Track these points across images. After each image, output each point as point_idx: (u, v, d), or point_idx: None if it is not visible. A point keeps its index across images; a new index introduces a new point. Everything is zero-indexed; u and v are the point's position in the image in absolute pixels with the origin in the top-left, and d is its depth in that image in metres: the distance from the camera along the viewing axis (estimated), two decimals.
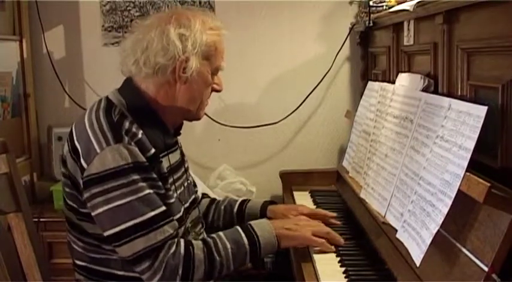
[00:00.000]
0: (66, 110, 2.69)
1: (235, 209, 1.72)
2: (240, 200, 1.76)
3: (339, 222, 1.69)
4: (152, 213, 1.29)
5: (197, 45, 1.38)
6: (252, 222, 1.46)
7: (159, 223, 1.30)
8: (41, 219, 2.35)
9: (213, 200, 1.78)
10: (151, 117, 1.42)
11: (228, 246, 1.37)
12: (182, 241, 1.34)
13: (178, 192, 1.46)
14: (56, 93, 2.66)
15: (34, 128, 2.60)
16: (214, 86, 1.49)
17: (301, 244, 1.50)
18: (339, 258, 1.44)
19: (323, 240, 1.47)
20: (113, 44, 2.63)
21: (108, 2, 2.63)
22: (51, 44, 2.64)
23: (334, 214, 1.72)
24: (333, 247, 1.48)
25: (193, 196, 1.59)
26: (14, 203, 1.38)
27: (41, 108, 2.67)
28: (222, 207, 1.73)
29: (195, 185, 1.71)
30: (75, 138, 1.35)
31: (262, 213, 1.69)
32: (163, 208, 1.32)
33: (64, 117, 2.63)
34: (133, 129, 1.34)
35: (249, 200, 1.76)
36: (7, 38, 2.45)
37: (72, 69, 2.68)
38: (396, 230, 1.38)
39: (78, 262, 1.43)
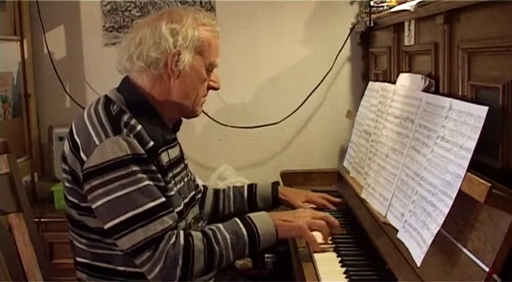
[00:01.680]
0: (67, 110, 2.69)
1: (245, 194, 1.76)
2: (246, 185, 1.80)
3: (334, 207, 1.82)
4: (151, 204, 1.30)
5: (188, 39, 1.40)
6: (251, 214, 1.46)
7: (159, 214, 1.31)
8: (42, 220, 2.35)
9: (217, 189, 1.81)
10: (149, 112, 1.43)
11: (228, 237, 1.38)
12: (182, 232, 1.34)
13: (178, 186, 1.46)
14: (56, 93, 2.66)
15: (35, 128, 2.60)
16: (211, 83, 1.50)
17: (297, 235, 1.50)
18: (339, 259, 1.44)
19: (313, 236, 1.46)
20: (113, 44, 2.63)
21: (109, 2, 2.63)
22: (52, 44, 2.63)
23: (338, 200, 1.86)
24: (321, 246, 1.48)
25: (193, 192, 1.60)
26: (15, 203, 1.38)
27: (42, 109, 2.67)
28: (231, 194, 1.77)
29: (195, 182, 1.71)
30: (74, 133, 1.37)
31: (274, 195, 1.76)
32: (163, 199, 1.33)
33: (65, 118, 2.62)
34: (132, 123, 1.35)
35: (255, 184, 1.80)
36: (8, 38, 2.45)
37: (73, 70, 2.68)
38: (397, 230, 1.38)
39: (79, 259, 1.44)
